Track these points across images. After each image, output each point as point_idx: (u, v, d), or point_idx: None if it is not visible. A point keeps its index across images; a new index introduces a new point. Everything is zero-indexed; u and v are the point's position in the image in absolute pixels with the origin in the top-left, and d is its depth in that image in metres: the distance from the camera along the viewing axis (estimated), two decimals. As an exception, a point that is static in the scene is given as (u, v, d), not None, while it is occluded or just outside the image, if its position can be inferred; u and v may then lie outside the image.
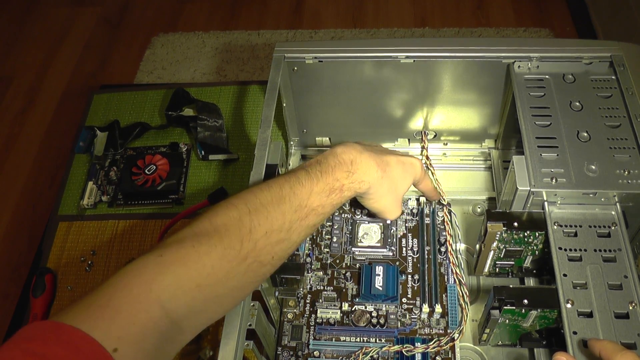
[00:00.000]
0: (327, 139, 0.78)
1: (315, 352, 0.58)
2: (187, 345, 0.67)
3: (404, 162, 0.57)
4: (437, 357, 0.56)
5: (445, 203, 0.68)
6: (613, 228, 0.52)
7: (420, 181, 0.61)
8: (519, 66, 0.63)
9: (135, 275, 0.38)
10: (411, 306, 0.60)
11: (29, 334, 0.34)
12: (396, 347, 0.56)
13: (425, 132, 0.75)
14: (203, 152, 0.84)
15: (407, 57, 0.65)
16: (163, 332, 0.37)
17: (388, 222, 0.67)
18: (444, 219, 0.66)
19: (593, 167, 0.54)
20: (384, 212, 0.59)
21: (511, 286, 0.51)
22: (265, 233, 0.44)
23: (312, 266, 0.64)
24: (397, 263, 0.64)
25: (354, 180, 0.51)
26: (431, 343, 0.56)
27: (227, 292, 0.42)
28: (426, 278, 0.62)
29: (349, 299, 0.61)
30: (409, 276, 0.62)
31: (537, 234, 0.54)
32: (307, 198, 0.47)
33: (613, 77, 0.61)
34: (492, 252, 0.57)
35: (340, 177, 0.50)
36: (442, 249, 0.64)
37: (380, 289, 0.59)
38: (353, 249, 0.65)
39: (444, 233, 0.65)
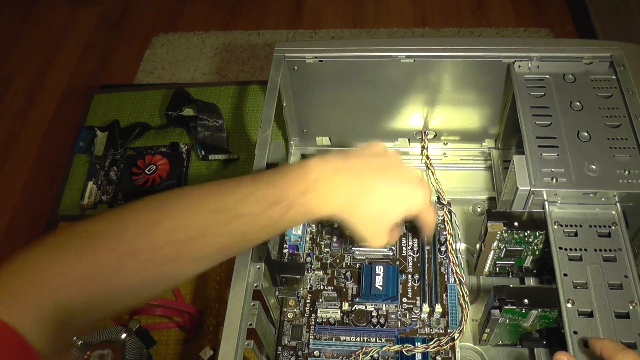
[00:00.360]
0: (327, 138, 0.78)
1: (315, 352, 0.58)
2: (187, 345, 0.67)
3: (400, 190, 0.48)
4: (437, 357, 0.56)
5: (445, 203, 0.68)
6: (613, 228, 0.52)
7: (420, 214, 0.51)
8: (519, 66, 0.63)
9: (28, 263, 0.38)
10: (411, 306, 0.60)
11: None
12: (396, 347, 0.56)
13: (425, 132, 0.75)
14: (203, 152, 0.84)
15: (407, 56, 0.65)
16: (56, 319, 0.37)
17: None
18: (444, 218, 0.66)
19: (593, 166, 0.54)
20: (362, 239, 0.49)
21: (511, 286, 0.51)
22: (170, 230, 0.40)
23: (312, 266, 0.64)
24: (397, 263, 0.64)
25: (308, 200, 0.44)
26: (431, 343, 0.56)
27: (121, 287, 0.41)
28: (426, 278, 0.62)
29: (349, 299, 0.61)
30: (409, 276, 0.62)
31: (537, 234, 0.54)
32: (238, 202, 0.42)
33: (613, 77, 0.61)
34: (492, 251, 0.57)
35: (291, 192, 0.44)
36: (442, 249, 0.64)
37: (381, 288, 0.59)
38: (353, 248, 0.65)
39: (444, 233, 0.65)
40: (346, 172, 0.46)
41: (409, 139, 0.76)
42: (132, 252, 0.40)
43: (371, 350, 0.56)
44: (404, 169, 0.49)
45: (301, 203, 0.44)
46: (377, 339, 0.58)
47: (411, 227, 0.67)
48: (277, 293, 0.60)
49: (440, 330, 0.58)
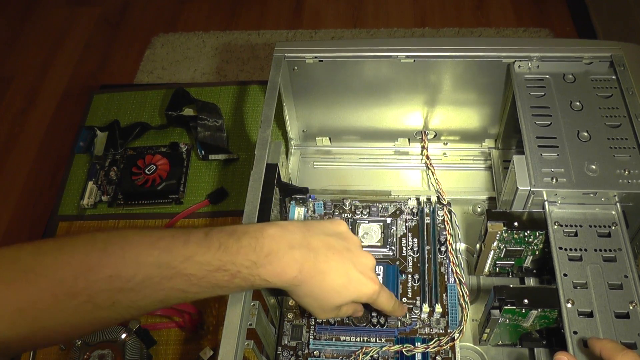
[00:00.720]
0: (327, 138, 0.78)
1: (315, 352, 0.58)
2: (187, 345, 0.67)
3: (351, 278, 0.47)
4: (437, 357, 0.56)
5: (445, 203, 0.68)
6: (613, 228, 0.52)
7: (369, 303, 0.51)
8: (519, 66, 0.63)
9: None
10: (411, 306, 0.60)
11: None
12: (396, 347, 0.56)
13: (425, 132, 0.75)
14: (203, 152, 0.84)
15: (407, 56, 0.65)
16: None
17: (388, 221, 0.67)
18: (444, 218, 0.66)
19: (593, 166, 0.54)
20: (309, 311, 0.50)
21: (511, 286, 0.51)
22: (109, 277, 0.39)
23: (312, 266, 0.64)
24: (397, 263, 0.63)
25: (256, 274, 0.43)
26: (431, 343, 0.56)
27: (55, 326, 0.39)
28: (426, 278, 0.62)
29: (349, 299, 0.61)
30: (409, 276, 0.62)
31: (537, 234, 0.54)
32: (182, 261, 0.41)
33: (613, 77, 0.61)
34: (492, 251, 0.57)
35: (240, 262, 0.42)
36: (442, 249, 0.64)
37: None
38: (353, 248, 0.65)
39: (444, 233, 0.65)
40: (303, 248, 0.45)
41: (409, 139, 0.76)
42: (70, 293, 0.39)
43: (371, 351, 0.56)
44: (361, 255, 0.49)
45: (248, 274, 0.43)
46: (377, 339, 0.58)
47: (411, 227, 0.67)
48: (277, 293, 0.60)
49: (440, 331, 0.58)
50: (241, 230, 0.44)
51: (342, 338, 0.59)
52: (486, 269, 0.61)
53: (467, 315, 0.59)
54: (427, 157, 0.74)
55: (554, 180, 0.53)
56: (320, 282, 0.46)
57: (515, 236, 0.55)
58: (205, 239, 0.43)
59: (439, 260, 0.63)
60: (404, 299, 0.61)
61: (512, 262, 0.59)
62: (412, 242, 0.65)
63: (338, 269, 0.47)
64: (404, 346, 0.56)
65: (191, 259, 0.41)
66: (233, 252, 0.43)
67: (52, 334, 0.40)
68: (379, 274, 0.60)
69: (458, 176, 0.74)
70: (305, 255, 0.45)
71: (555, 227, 0.53)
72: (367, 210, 0.68)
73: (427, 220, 0.67)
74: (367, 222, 0.67)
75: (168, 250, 0.41)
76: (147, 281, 0.40)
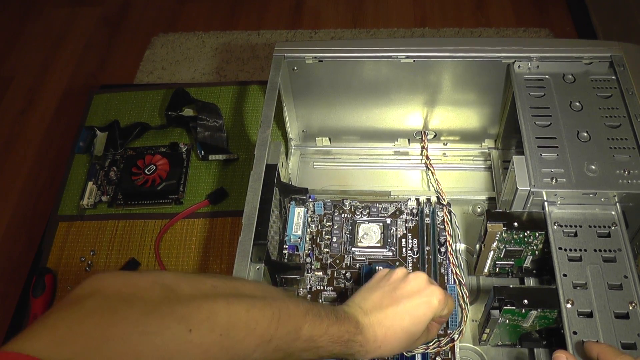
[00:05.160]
0: (327, 138, 0.78)
1: (315, 352, 0.58)
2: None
3: (413, 308, 0.50)
4: (437, 358, 0.56)
5: (445, 203, 0.67)
6: (613, 228, 0.52)
7: (443, 312, 0.52)
8: (519, 66, 0.63)
9: (150, 336, 0.32)
10: (411, 306, 0.60)
11: None
12: (396, 347, 0.56)
13: (425, 132, 0.75)
14: (203, 152, 0.84)
15: (407, 57, 0.65)
16: None
17: (388, 221, 0.67)
18: (444, 219, 0.66)
19: (593, 167, 0.54)
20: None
21: (511, 286, 0.51)
22: (275, 347, 0.40)
23: (312, 266, 0.64)
24: (397, 263, 0.63)
25: (357, 340, 0.47)
26: (431, 343, 0.56)
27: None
28: (426, 278, 0.62)
29: (349, 299, 0.61)
30: (409, 276, 0.62)
31: (537, 234, 0.54)
32: (321, 336, 0.44)
33: (613, 77, 0.61)
34: (492, 252, 0.57)
35: (348, 330, 0.46)
36: (442, 249, 0.64)
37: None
38: (353, 249, 0.65)
39: (444, 233, 0.65)
40: (371, 313, 0.49)
41: (408, 139, 0.76)
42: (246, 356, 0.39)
43: (371, 351, 0.56)
44: (407, 281, 0.51)
45: (353, 342, 0.47)
46: (377, 339, 0.58)
47: (411, 227, 0.67)
48: (276, 293, 0.60)
49: (440, 331, 0.58)
50: (338, 307, 0.49)
51: (342, 338, 0.58)
52: (486, 270, 0.61)
53: (466, 316, 0.59)
54: (427, 158, 0.74)
55: (554, 180, 0.53)
56: (401, 329, 0.49)
57: (515, 236, 0.55)
58: (327, 313, 0.46)
59: (439, 261, 0.63)
60: (404, 299, 0.61)
61: (512, 263, 0.59)
62: (412, 242, 0.65)
63: (406, 309, 0.49)
64: (404, 346, 0.56)
65: (326, 333, 0.44)
66: (345, 323, 0.46)
67: None
68: (379, 274, 0.60)
69: (458, 176, 0.74)
70: (378, 319, 0.49)
71: (555, 227, 0.53)
72: (367, 210, 0.68)
73: (427, 220, 0.67)
74: (366, 222, 0.67)
75: (314, 326, 0.44)
76: (295, 354, 0.43)
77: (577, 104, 0.60)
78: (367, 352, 0.48)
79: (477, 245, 0.59)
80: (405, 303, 0.49)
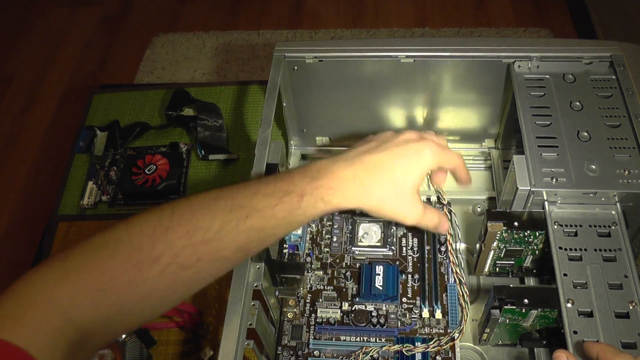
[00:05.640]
0: (327, 138, 0.78)
1: (315, 352, 0.58)
2: (187, 345, 0.67)
3: (403, 153, 0.48)
4: (437, 357, 0.56)
5: (446, 202, 0.67)
6: (613, 228, 0.52)
7: (440, 165, 0.50)
8: (519, 66, 0.63)
9: (37, 282, 0.37)
10: (411, 306, 0.60)
11: None
12: (396, 347, 0.56)
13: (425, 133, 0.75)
14: (203, 152, 0.84)
15: (407, 56, 0.65)
16: (70, 339, 0.36)
17: (393, 228, 0.67)
18: (444, 218, 0.66)
19: (593, 166, 0.54)
20: (397, 217, 0.49)
21: (511, 286, 0.51)
22: (187, 232, 0.39)
23: (312, 266, 0.64)
24: (397, 262, 0.63)
25: (318, 185, 0.45)
26: (431, 343, 0.56)
27: (139, 298, 0.39)
28: (426, 278, 0.62)
29: (349, 299, 0.61)
30: (409, 276, 0.62)
31: (537, 234, 0.54)
32: (251, 198, 0.42)
33: (613, 77, 0.61)
34: (492, 251, 0.57)
35: (299, 182, 0.44)
36: (442, 249, 0.64)
37: (381, 288, 0.59)
38: (353, 248, 0.65)
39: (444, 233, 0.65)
40: (346, 159, 0.47)
41: (409, 139, 0.76)
42: (152, 258, 0.38)
43: (371, 350, 0.56)
44: (397, 136, 0.50)
45: (312, 190, 0.44)
46: (377, 339, 0.58)
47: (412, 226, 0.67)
48: (277, 293, 0.60)
49: (440, 330, 0.58)
50: (286, 170, 0.46)
51: (342, 338, 0.59)
52: (486, 269, 0.61)
53: (467, 315, 0.59)
54: (427, 157, 0.74)
55: (554, 180, 0.53)
56: (380, 178, 0.47)
57: (515, 236, 0.55)
58: (260, 179, 0.45)
59: (439, 260, 0.63)
60: (404, 299, 0.61)
61: (512, 262, 0.59)
62: (412, 242, 0.65)
63: (386, 157, 0.47)
64: (404, 346, 0.56)
65: (258, 194, 0.43)
66: (290, 177, 0.44)
67: (134, 311, 0.40)
68: (379, 274, 0.60)
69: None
70: (350, 162, 0.47)
71: (555, 227, 0.53)
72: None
73: (427, 220, 0.67)
74: (367, 222, 0.67)
75: (233, 194, 0.42)
76: (224, 228, 0.41)
77: (577, 103, 0.60)
78: (345, 195, 0.45)
79: (477, 245, 0.59)
80: (393, 149, 0.48)
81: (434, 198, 0.69)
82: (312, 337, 0.59)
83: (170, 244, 0.39)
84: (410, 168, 0.48)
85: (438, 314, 0.59)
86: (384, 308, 0.60)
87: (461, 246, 0.67)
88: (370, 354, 0.56)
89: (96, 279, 0.37)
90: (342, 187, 0.45)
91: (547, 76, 0.63)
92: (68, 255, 0.38)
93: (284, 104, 0.71)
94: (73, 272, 0.37)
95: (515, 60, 0.63)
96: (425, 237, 0.65)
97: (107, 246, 0.39)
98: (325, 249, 0.65)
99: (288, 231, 0.46)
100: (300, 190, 0.44)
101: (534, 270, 0.60)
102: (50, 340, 0.35)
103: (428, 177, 0.61)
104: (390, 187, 0.47)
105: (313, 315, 0.60)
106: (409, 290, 0.61)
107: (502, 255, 0.58)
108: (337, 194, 0.45)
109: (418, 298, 0.61)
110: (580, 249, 0.51)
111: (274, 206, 0.43)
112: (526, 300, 0.50)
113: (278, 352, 0.58)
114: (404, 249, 0.65)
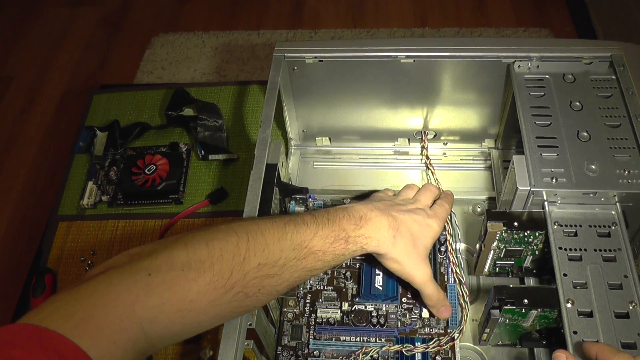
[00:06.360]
0: (327, 138, 0.78)
1: (315, 352, 0.58)
2: (187, 345, 0.67)
3: (419, 221, 0.54)
4: (437, 357, 0.56)
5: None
6: (613, 228, 0.52)
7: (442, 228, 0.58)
8: (519, 66, 0.63)
9: (120, 292, 0.37)
10: (411, 306, 0.60)
11: (10, 339, 0.32)
12: (396, 347, 0.56)
13: (425, 132, 0.75)
14: (203, 152, 0.84)
15: (407, 57, 0.65)
16: (139, 350, 0.37)
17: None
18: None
19: (593, 166, 0.54)
20: (407, 273, 0.53)
21: (511, 286, 0.51)
22: (258, 265, 0.42)
23: (312, 266, 0.64)
24: (397, 263, 0.63)
25: (360, 234, 0.50)
26: (431, 343, 0.56)
27: (208, 319, 0.41)
28: (426, 278, 0.62)
29: (349, 299, 0.61)
30: (409, 276, 0.62)
31: (537, 234, 0.54)
32: (310, 239, 0.46)
33: (613, 77, 0.61)
34: (492, 251, 0.57)
35: (347, 227, 0.49)
36: (442, 249, 0.64)
37: (380, 288, 0.59)
38: (353, 248, 0.65)
39: (444, 233, 0.65)
40: (378, 208, 0.52)
41: (408, 139, 0.76)
42: (228, 286, 0.41)
43: (371, 350, 0.56)
44: (416, 200, 0.57)
45: (356, 237, 0.49)
46: (377, 339, 0.58)
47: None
48: (277, 293, 0.60)
49: (440, 330, 0.58)
50: (327, 209, 0.51)
51: (342, 338, 0.59)
52: (486, 269, 0.61)
53: (467, 315, 0.59)
54: (427, 157, 0.74)
55: (554, 180, 0.53)
56: (408, 231, 0.52)
57: (515, 236, 0.55)
58: (314, 218, 0.48)
59: (439, 260, 0.63)
60: (404, 299, 0.61)
61: (512, 262, 0.59)
62: (412, 242, 0.65)
63: (407, 218, 0.53)
64: (404, 346, 0.56)
65: (315, 236, 0.47)
66: (338, 222, 0.49)
67: (201, 328, 0.42)
68: (379, 274, 0.60)
69: (458, 176, 0.74)
70: (383, 213, 0.52)
71: (555, 227, 0.53)
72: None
73: (427, 220, 0.67)
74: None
75: (297, 232, 0.46)
76: (287, 265, 0.44)
77: (577, 103, 0.60)
78: (379, 243, 0.50)
79: (477, 245, 0.59)
80: (413, 213, 0.54)
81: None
82: (312, 337, 0.59)
83: (244, 275, 0.42)
84: (427, 236, 0.54)
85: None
86: (383, 308, 0.60)
87: (461, 246, 0.67)
88: (370, 354, 0.56)
89: (180, 300, 0.39)
90: (377, 235, 0.51)
91: (547, 76, 0.63)
92: (154, 270, 0.39)
93: (284, 104, 0.71)
94: (157, 289, 0.38)
95: (515, 60, 0.63)
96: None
97: (190, 267, 0.40)
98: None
99: (328, 268, 0.51)
100: (347, 235, 0.49)
101: (534, 270, 0.60)
102: (123, 350, 0.35)
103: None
104: (411, 244, 0.53)
105: (313, 315, 0.60)
106: (409, 290, 0.61)
107: (502, 255, 0.58)
108: (373, 242, 0.50)
109: (418, 298, 0.61)
110: (580, 249, 0.51)
111: (326, 250, 0.47)
112: (526, 301, 0.50)
113: (278, 352, 0.58)
114: (404, 249, 0.65)
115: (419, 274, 0.53)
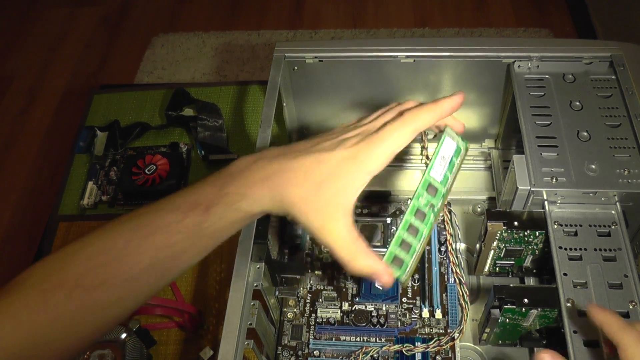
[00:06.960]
0: (327, 138, 0.77)
1: (315, 352, 0.58)
2: (187, 345, 0.67)
3: (325, 160, 0.40)
4: (437, 357, 0.56)
5: (445, 202, 0.67)
6: (613, 227, 0.52)
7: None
8: (519, 66, 0.63)
9: None
10: (411, 306, 0.60)
11: None
12: (396, 347, 0.56)
13: (425, 132, 0.75)
14: (203, 152, 0.84)
15: (407, 56, 0.65)
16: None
17: (388, 221, 0.67)
18: (444, 218, 0.66)
19: (593, 166, 0.54)
20: (311, 232, 0.41)
21: (511, 285, 0.51)
22: (90, 255, 0.39)
23: (312, 266, 0.64)
24: (397, 263, 0.63)
25: (227, 194, 0.40)
26: (431, 342, 0.56)
27: (58, 328, 0.38)
28: (426, 278, 0.62)
29: (349, 299, 0.61)
30: (409, 276, 0.62)
31: (537, 234, 0.54)
32: (156, 215, 0.40)
33: (613, 77, 0.61)
34: (492, 251, 0.57)
35: (209, 191, 0.40)
36: (442, 249, 0.64)
37: (380, 288, 0.59)
38: (353, 248, 0.65)
39: (444, 232, 0.65)
40: (266, 157, 0.41)
41: (409, 139, 0.76)
42: (57, 285, 0.38)
43: (371, 350, 0.57)
44: (343, 136, 0.42)
45: (220, 199, 0.40)
46: (377, 339, 0.58)
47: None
48: (277, 293, 0.60)
49: (440, 330, 0.59)
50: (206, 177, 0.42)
51: (342, 338, 0.59)
52: (486, 269, 0.61)
53: (467, 315, 0.59)
54: (427, 157, 0.74)
55: (554, 180, 0.53)
56: (304, 174, 0.40)
57: (515, 236, 0.55)
58: (174, 193, 0.41)
59: (439, 260, 0.63)
60: (404, 299, 0.61)
61: (512, 262, 0.59)
62: (412, 242, 0.65)
63: (311, 158, 0.40)
64: (404, 346, 0.56)
65: (164, 209, 0.40)
66: (201, 187, 0.41)
67: (59, 341, 0.39)
68: (379, 274, 0.60)
69: (458, 176, 0.74)
70: (268, 162, 0.41)
71: (555, 226, 0.53)
72: (367, 210, 0.68)
73: (427, 220, 0.67)
74: (367, 222, 0.67)
75: (140, 214, 0.40)
76: (127, 247, 0.39)
77: (577, 103, 0.60)
78: (254, 198, 0.40)
79: (477, 245, 0.59)
80: (323, 150, 0.41)
81: None
82: (312, 337, 0.59)
83: (74, 269, 0.39)
84: (335, 174, 0.40)
85: (438, 314, 0.59)
86: (384, 308, 0.60)
87: (461, 246, 0.67)
88: (370, 354, 0.56)
89: (25, 324, 0.37)
90: (250, 191, 0.40)
91: (547, 76, 0.63)
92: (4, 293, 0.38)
93: (284, 104, 0.71)
94: (8, 310, 0.37)
95: (515, 60, 0.63)
96: (425, 237, 0.65)
97: (24, 283, 0.39)
98: (325, 249, 0.65)
99: (207, 247, 0.42)
100: (209, 200, 0.40)
101: (534, 270, 0.60)
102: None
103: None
104: (310, 192, 0.40)
105: (313, 315, 0.60)
106: (409, 290, 0.61)
107: (502, 255, 0.58)
108: (245, 199, 0.40)
109: (418, 298, 0.61)
110: (580, 249, 0.51)
111: (179, 221, 0.39)
112: (526, 300, 0.50)
113: (278, 352, 0.58)
114: (404, 248, 0.65)
115: (322, 230, 0.40)
